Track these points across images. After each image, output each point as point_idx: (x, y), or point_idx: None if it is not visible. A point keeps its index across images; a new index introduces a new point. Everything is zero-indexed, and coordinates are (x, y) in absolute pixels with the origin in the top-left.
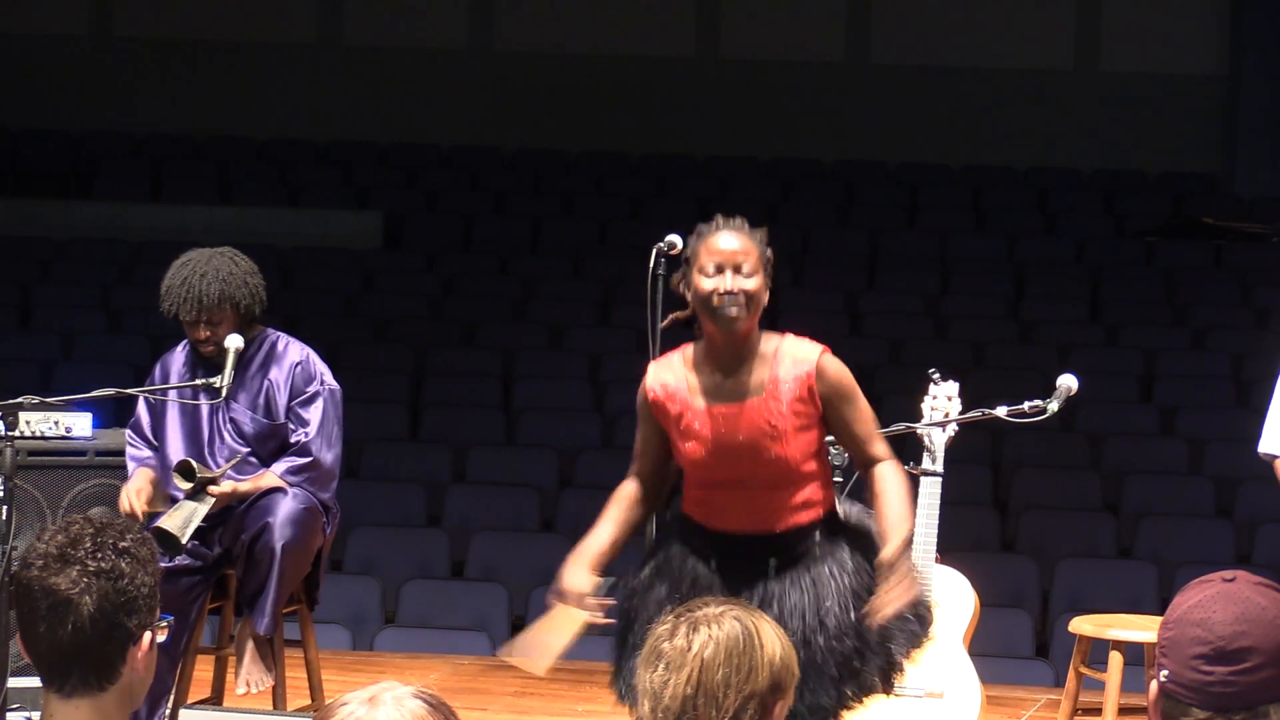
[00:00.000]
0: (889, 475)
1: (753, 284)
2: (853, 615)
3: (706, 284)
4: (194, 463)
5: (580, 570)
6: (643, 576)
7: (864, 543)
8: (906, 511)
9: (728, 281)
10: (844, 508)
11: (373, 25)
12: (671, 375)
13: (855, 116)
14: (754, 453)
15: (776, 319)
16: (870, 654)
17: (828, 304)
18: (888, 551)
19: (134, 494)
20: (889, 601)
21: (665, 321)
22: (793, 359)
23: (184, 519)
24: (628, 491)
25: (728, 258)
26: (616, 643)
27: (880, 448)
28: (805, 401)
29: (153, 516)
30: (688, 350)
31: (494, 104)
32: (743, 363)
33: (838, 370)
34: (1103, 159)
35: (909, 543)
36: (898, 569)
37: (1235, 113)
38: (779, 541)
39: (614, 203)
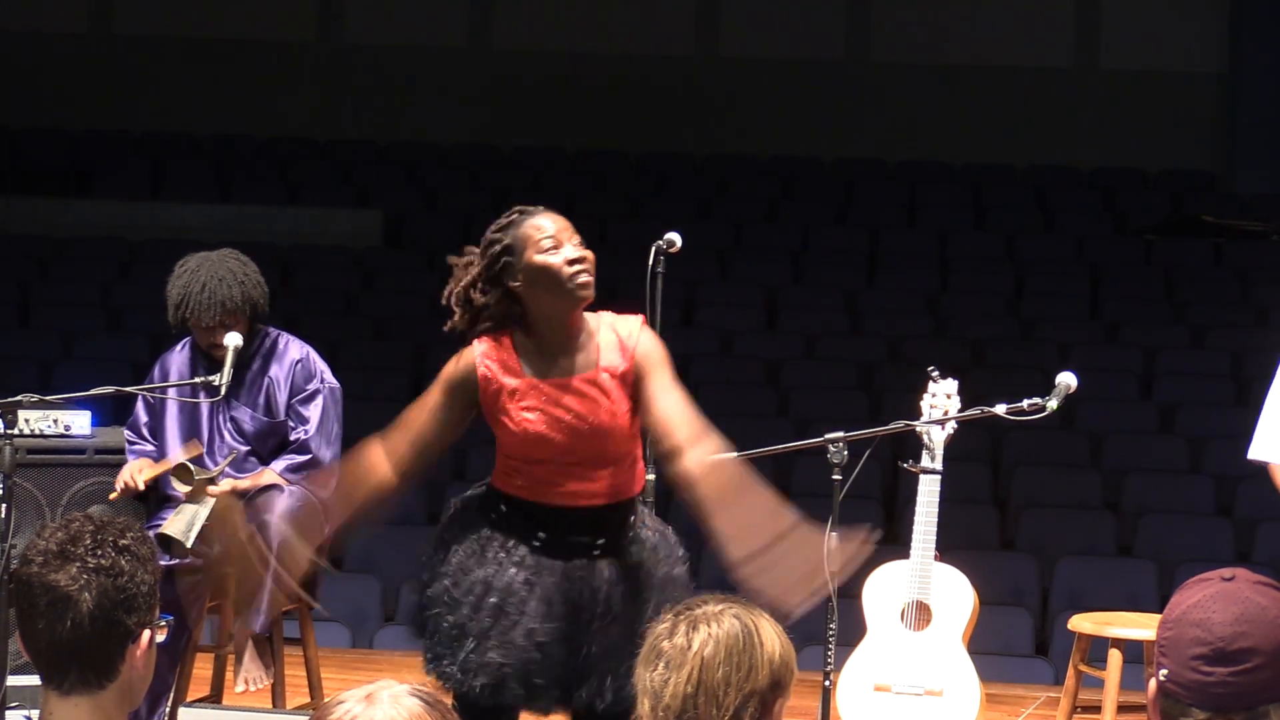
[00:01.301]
0: (722, 464)
1: (591, 254)
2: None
3: (554, 258)
4: (191, 465)
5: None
6: (453, 560)
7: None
8: (765, 492)
9: (574, 251)
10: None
11: (372, 23)
12: (499, 351)
13: (854, 115)
14: (582, 423)
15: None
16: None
17: (827, 302)
18: (785, 526)
19: (135, 470)
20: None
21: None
22: (613, 331)
23: (186, 522)
24: (373, 460)
25: (561, 230)
26: (429, 627)
27: (702, 426)
28: (625, 375)
29: (155, 515)
30: (508, 334)
31: (494, 102)
32: (572, 339)
33: (652, 339)
34: (1102, 157)
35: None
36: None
37: (1235, 111)
38: (599, 517)
39: (613, 201)
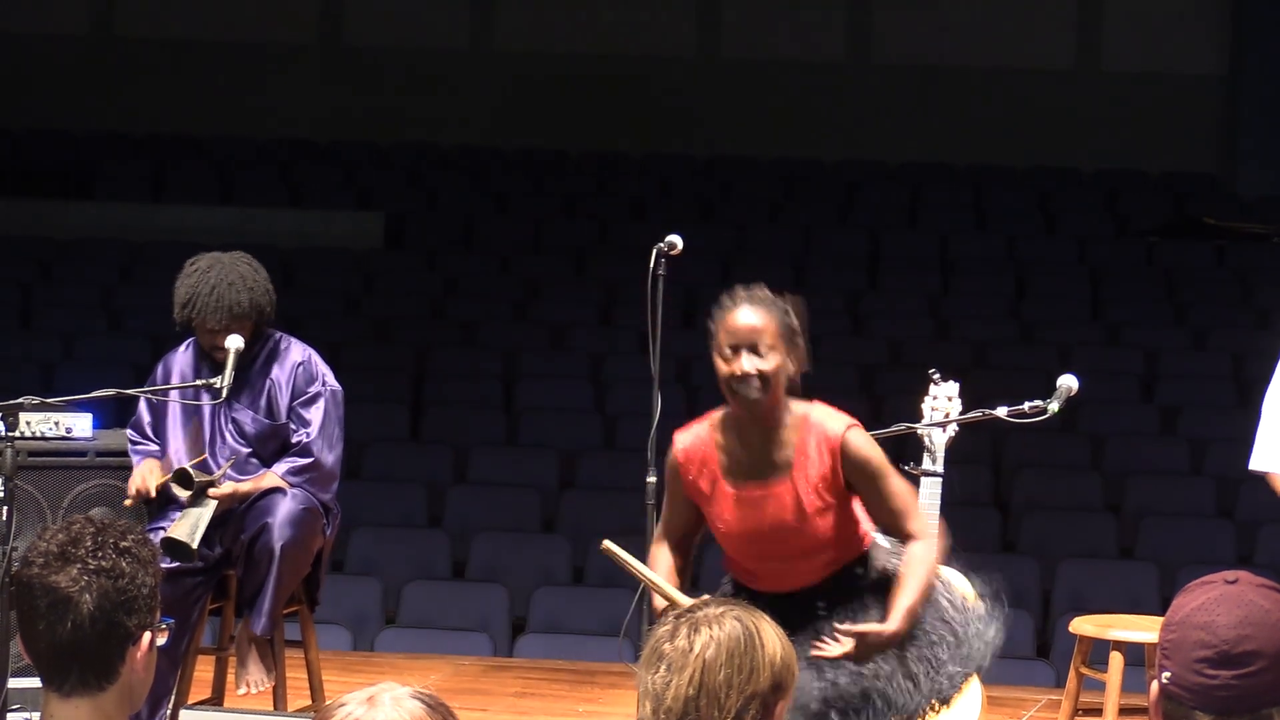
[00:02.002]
0: (911, 559)
1: (770, 364)
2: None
3: (724, 367)
4: (191, 469)
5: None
6: None
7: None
8: (910, 596)
9: (743, 364)
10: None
11: (373, 25)
12: (698, 445)
13: (856, 116)
14: (782, 533)
15: None
16: (925, 674)
17: (828, 304)
18: (873, 628)
19: (145, 473)
20: (839, 651)
21: None
22: (818, 436)
23: (191, 526)
24: (666, 561)
25: (743, 337)
26: None
27: (914, 524)
28: (830, 480)
29: (156, 519)
30: (715, 418)
31: (495, 104)
32: (768, 437)
33: (861, 449)
34: (1104, 159)
35: (900, 630)
36: (869, 644)
37: (1236, 113)
38: (822, 589)
39: (615, 203)
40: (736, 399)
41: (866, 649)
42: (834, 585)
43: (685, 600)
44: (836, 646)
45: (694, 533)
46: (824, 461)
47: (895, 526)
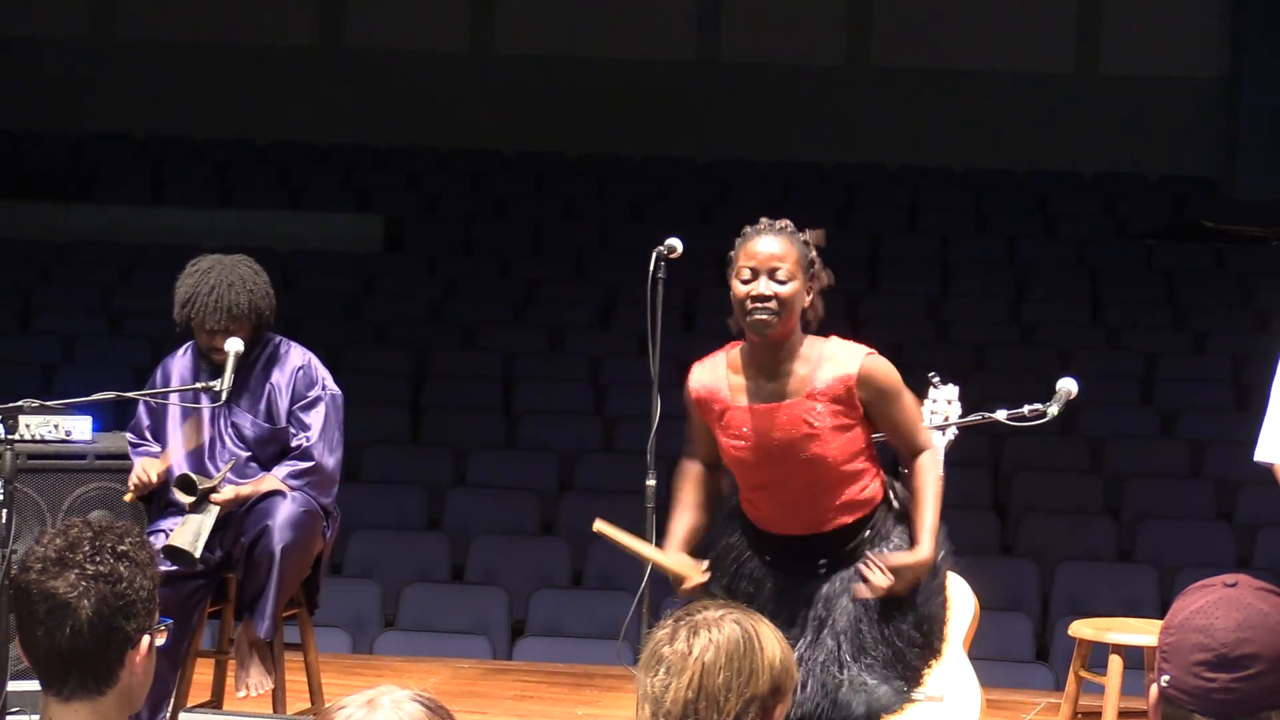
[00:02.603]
0: (920, 470)
1: (787, 289)
2: (894, 618)
3: (740, 289)
4: (193, 475)
5: (679, 556)
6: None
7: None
8: (930, 515)
9: (760, 286)
10: (896, 496)
11: (373, 28)
12: (711, 375)
13: (856, 120)
14: (791, 452)
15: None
16: (915, 652)
17: (827, 306)
18: (901, 558)
19: (146, 465)
20: (877, 589)
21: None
22: (834, 362)
23: (193, 532)
24: (694, 471)
25: (763, 262)
26: None
27: (921, 438)
28: (844, 402)
29: (156, 522)
30: (732, 351)
31: (495, 107)
32: (782, 365)
33: (881, 372)
34: (1103, 162)
35: (932, 552)
36: (906, 574)
37: (1236, 116)
38: (827, 541)
39: (615, 206)
40: (749, 322)
41: (904, 580)
42: (838, 542)
43: (682, 566)
44: (878, 576)
45: (721, 467)
46: (839, 384)
47: (909, 442)
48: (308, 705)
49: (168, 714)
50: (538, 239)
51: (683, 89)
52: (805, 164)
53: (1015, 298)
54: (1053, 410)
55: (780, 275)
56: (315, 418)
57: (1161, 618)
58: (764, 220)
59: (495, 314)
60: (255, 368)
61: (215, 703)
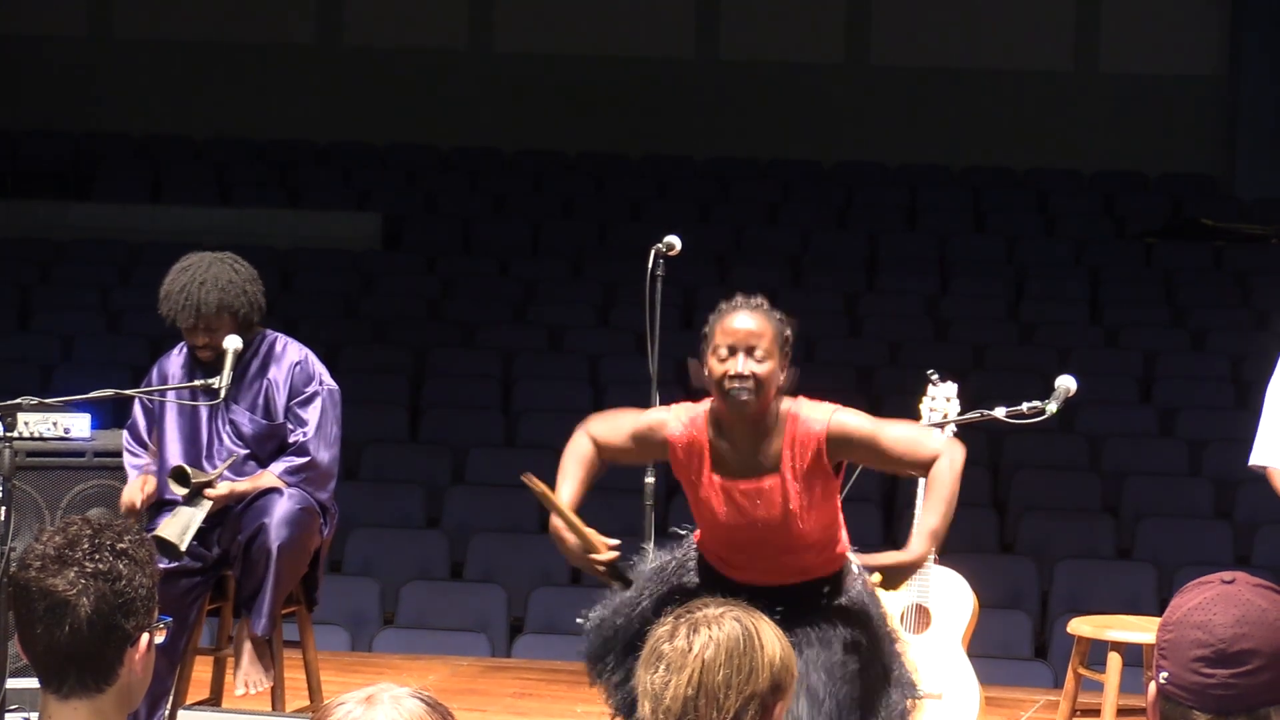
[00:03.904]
0: (931, 478)
1: (764, 368)
2: (851, 668)
3: (718, 367)
4: (188, 467)
5: (592, 532)
6: (645, 600)
7: (859, 620)
8: (930, 516)
9: (739, 364)
10: (856, 570)
11: (372, 26)
12: (696, 431)
13: (854, 118)
14: (768, 525)
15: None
16: (877, 699)
17: (827, 305)
18: (886, 557)
19: (137, 489)
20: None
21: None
22: (803, 431)
23: (182, 525)
24: (589, 453)
25: (740, 339)
26: (599, 649)
27: (924, 452)
28: (818, 472)
29: (153, 518)
30: (708, 413)
31: (494, 105)
32: (759, 439)
33: (850, 425)
34: (1102, 160)
35: (923, 553)
36: (892, 573)
37: (1235, 114)
38: (789, 593)
39: (613, 204)
40: (727, 400)
41: (892, 578)
42: (797, 594)
43: (595, 538)
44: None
45: (608, 465)
46: (808, 455)
47: (914, 463)
48: (306, 703)
49: (166, 712)
50: (536, 237)
51: (682, 87)
52: (804, 162)
53: (1014, 296)
54: (1051, 408)
55: (758, 354)
56: (312, 413)
57: (1160, 615)
58: (739, 297)
59: (494, 312)
60: (252, 364)
61: (214, 700)
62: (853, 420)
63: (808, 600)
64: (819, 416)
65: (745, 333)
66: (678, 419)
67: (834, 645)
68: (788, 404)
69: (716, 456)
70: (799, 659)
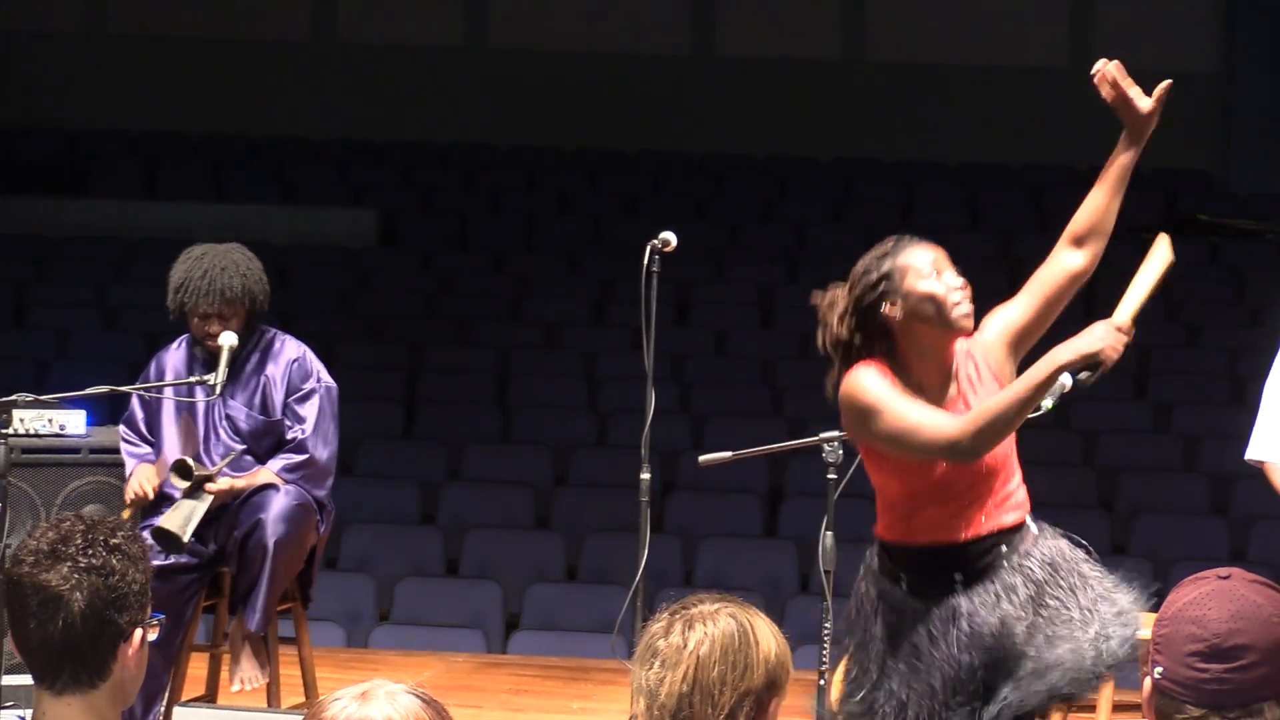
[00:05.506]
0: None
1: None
2: (1037, 622)
3: (935, 286)
4: (190, 461)
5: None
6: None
7: (1054, 559)
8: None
9: (954, 278)
10: (1036, 527)
11: (367, 22)
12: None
13: (850, 114)
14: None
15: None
16: (1056, 668)
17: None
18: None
19: (144, 478)
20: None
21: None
22: (963, 349)
23: (184, 517)
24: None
25: (940, 258)
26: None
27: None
28: (992, 376)
29: (152, 514)
30: (882, 362)
31: (489, 101)
32: (945, 373)
33: (981, 327)
34: (1097, 156)
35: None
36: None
37: (1230, 110)
38: (964, 553)
39: (609, 200)
40: (957, 315)
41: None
42: (976, 554)
43: None
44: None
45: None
46: (974, 367)
47: (1039, 280)
48: (302, 699)
49: (162, 708)
50: (531, 233)
51: (677, 83)
52: (799, 158)
53: (1009, 292)
54: (1046, 404)
55: (957, 270)
56: (310, 410)
57: (1155, 611)
58: (895, 236)
59: (489, 308)
60: (250, 360)
61: (209, 697)
62: (985, 323)
63: (986, 559)
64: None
65: (940, 252)
66: (880, 376)
67: (1012, 601)
68: None
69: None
70: (977, 618)
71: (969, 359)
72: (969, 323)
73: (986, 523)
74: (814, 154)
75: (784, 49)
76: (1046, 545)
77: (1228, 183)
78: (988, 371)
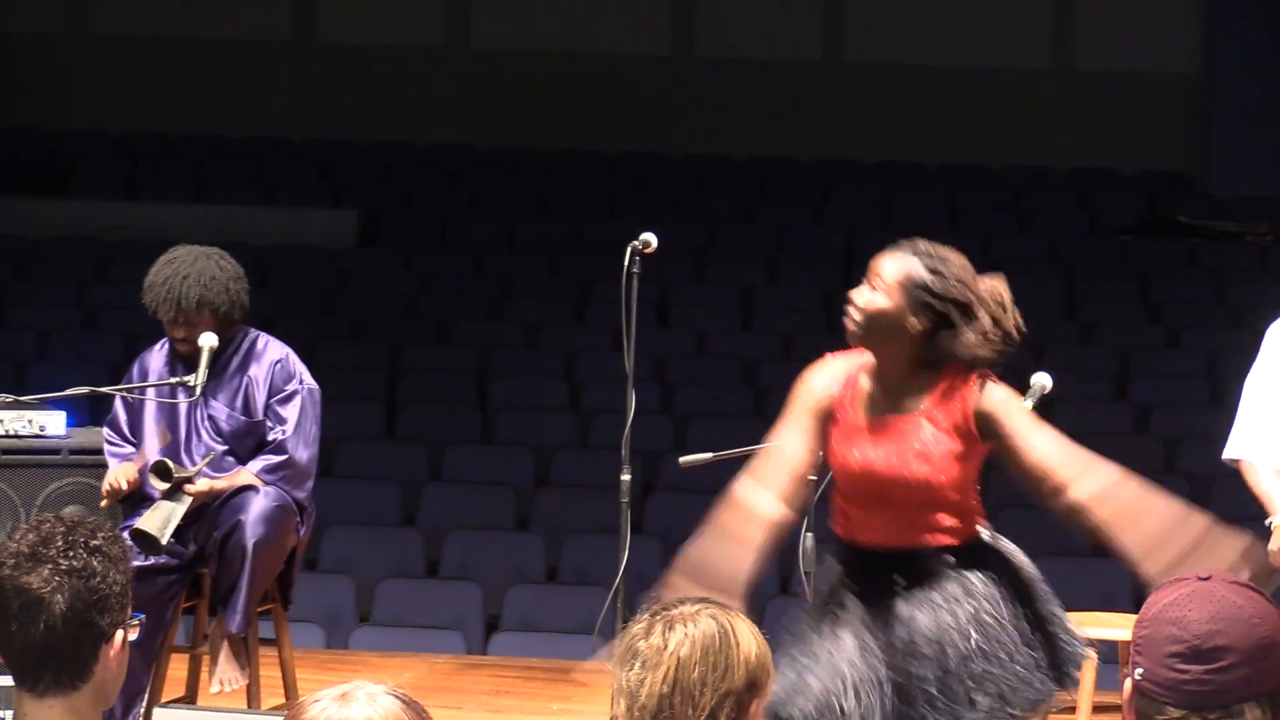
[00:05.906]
0: (1124, 490)
1: (858, 297)
2: (974, 641)
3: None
4: (170, 462)
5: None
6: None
7: (1007, 572)
8: (1178, 525)
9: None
10: (991, 540)
11: (348, 23)
12: (850, 375)
13: (831, 115)
14: (903, 467)
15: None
16: (1003, 680)
17: (803, 302)
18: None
19: (121, 472)
20: None
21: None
22: (955, 380)
23: (163, 519)
24: (771, 514)
25: (872, 268)
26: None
27: (1065, 475)
28: (958, 426)
29: (132, 516)
30: (856, 360)
31: (470, 102)
32: (904, 380)
33: (997, 392)
34: (1078, 157)
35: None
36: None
37: (1210, 111)
38: (909, 558)
39: (590, 201)
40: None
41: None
42: (920, 560)
43: None
44: None
45: (807, 477)
46: (955, 405)
47: (1056, 462)
48: (282, 701)
49: (142, 710)
50: (512, 234)
51: (657, 84)
52: (780, 159)
53: None
54: (1027, 405)
55: (874, 283)
56: (291, 412)
57: (1136, 612)
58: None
59: (470, 309)
60: (232, 361)
61: (189, 698)
62: (1002, 395)
63: (929, 566)
64: (974, 378)
65: (878, 263)
66: (826, 366)
67: (954, 612)
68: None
69: (866, 397)
70: (917, 624)
71: (956, 400)
72: (850, 337)
73: (904, 539)
74: (794, 155)
75: (764, 50)
76: (980, 578)
77: (1207, 184)
78: (953, 428)
